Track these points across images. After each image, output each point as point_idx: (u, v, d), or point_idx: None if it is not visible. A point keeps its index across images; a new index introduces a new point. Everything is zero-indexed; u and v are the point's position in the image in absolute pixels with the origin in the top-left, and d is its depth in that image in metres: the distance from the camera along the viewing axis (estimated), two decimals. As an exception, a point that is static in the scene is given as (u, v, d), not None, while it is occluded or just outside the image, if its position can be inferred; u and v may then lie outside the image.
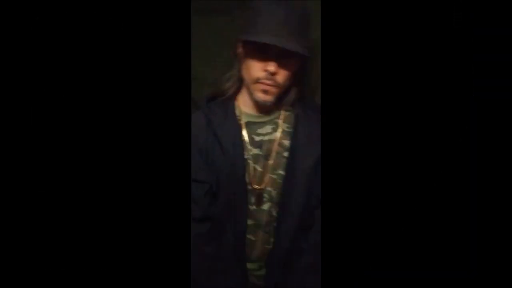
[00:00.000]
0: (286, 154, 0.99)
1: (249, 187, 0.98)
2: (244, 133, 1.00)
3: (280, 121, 1.01)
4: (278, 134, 1.00)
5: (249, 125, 1.00)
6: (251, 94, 0.98)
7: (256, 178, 0.98)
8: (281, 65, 0.93)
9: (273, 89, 0.95)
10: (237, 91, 1.02)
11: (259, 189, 0.98)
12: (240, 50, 0.98)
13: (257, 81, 0.94)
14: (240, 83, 1.01)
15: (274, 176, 0.99)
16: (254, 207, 0.99)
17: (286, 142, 1.00)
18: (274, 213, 0.99)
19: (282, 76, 0.94)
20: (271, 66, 0.92)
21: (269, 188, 0.99)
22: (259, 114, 1.01)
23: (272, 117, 1.02)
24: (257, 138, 1.00)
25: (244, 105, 1.01)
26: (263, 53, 0.92)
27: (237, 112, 1.01)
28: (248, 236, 0.99)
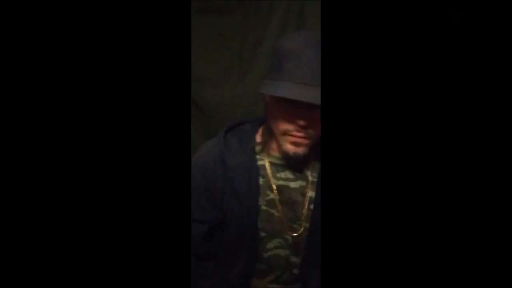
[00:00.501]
0: (312, 206, 0.89)
1: (263, 234, 0.89)
2: (263, 176, 0.88)
3: (308, 171, 0.90)
4: (304, 183, 0.90)
5: (271, 166, 0.89)
6: (279, 144, 0.86)
7: (277, 223, 0.89)
8: (314, 116, 0.79)
9: (305, 141, 0.82)
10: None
11: (295, 236, 0.89)
12: (265, 98, 0.86)
13: (285, 133, 0.82)
14: (269, 131, 0.88)
15: (296, 226, 0.90)
16: (268, 253, 0.90)
17: (312, 193, 0.90)
18: (295, 260, 0.91)
19: (315, 128, 0.81)
20: (301, 121, 0.79)
21: (289, 236, 0.90)
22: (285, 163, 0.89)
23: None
24: (277, 183, 0.89)
25: (270, 148, 0.90)
26: (292, 103, 0.78)
27: (258, 149, 0.89)
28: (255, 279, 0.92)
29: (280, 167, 0.89)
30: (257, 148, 0.90)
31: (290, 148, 0.83)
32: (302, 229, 0.89)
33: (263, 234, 0.90)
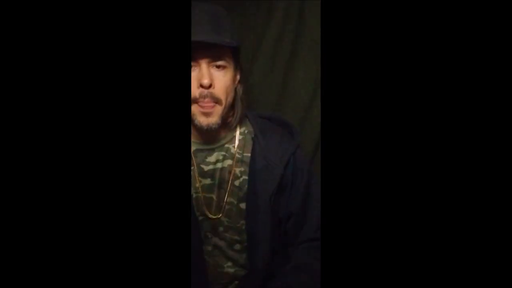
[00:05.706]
0: (237, 183, 0.95)
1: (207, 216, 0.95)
2: (192, 164, 0.93)
3: (231, 147, 0.96)
4: (229, 162, 0.95)
5: (196, 153, 0.95)
6: (193, 121, 0.90)
7: (212, 207, 0.95)
8: (214, 75, 0.88)
9: (215, 109, 0.89)
10: None
11: (214, 218, 0.95)
12: None
13: (194, 102, 0.88)
14: None
15: (227, 206, 0.95)
16: (212, 235, 0.96)
17: (238, 171, 0.95)
18: (237, 239, 0.96)
19: (218, 89, 0.88)
20: (205, 79, 0.86)
21: (224, 218, 0.95)
22: (204, 141, 0.95)
23: (222, 142, 0.96)
24: (206, 168, 0.94)
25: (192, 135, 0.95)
26: (194, 61, 0.87)
27: None
28: (207, 258, 0.97)
29: (205, 150, 0.95)
30: None
31: (202, 120, 0.89)
32: (233, 208, 0.95)
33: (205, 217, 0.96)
